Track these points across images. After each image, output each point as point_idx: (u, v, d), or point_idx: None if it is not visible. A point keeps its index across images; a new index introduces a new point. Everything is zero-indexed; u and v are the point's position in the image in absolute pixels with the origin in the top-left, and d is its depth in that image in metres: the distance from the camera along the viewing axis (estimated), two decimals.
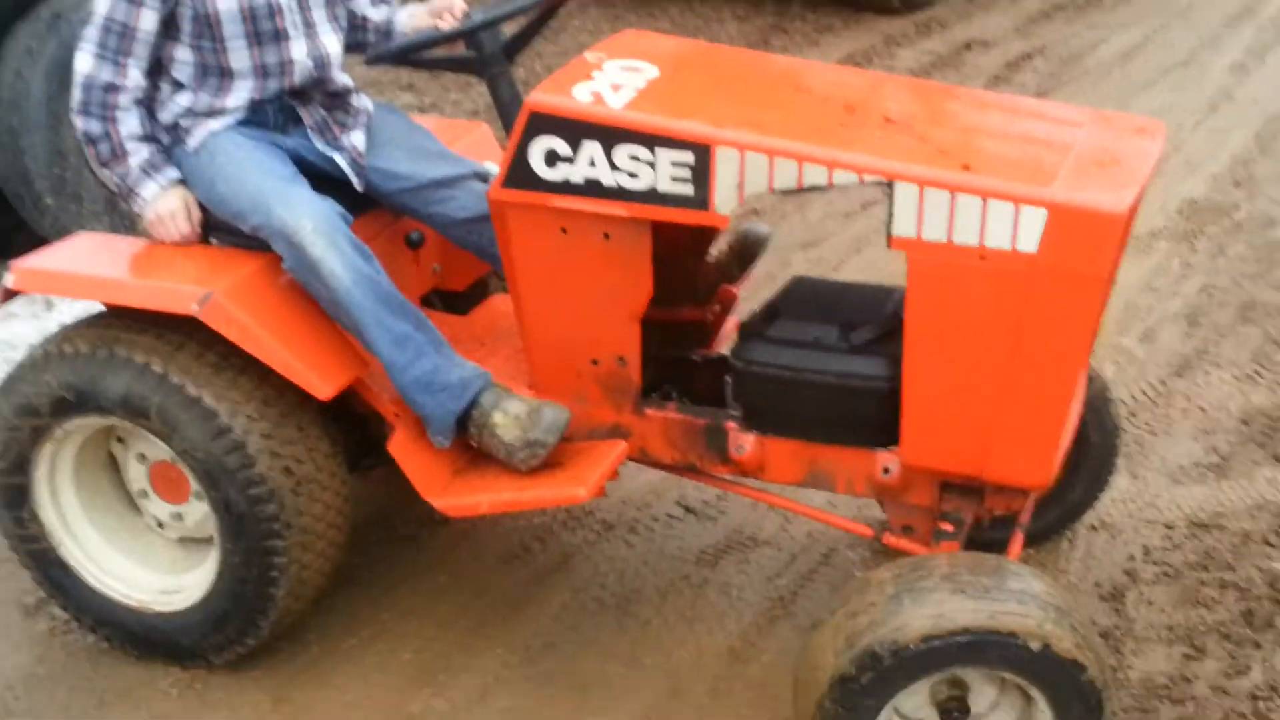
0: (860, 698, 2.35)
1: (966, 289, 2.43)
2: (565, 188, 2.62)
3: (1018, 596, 2.33)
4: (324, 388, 2.74)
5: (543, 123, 2.59)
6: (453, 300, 3.37)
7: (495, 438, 2.82)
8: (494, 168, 2.94)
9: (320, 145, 2.98)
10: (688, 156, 2.51)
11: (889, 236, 2.45)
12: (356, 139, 3.01)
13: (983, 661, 2.33)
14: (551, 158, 2.61)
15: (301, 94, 2.96)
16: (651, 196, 2.57)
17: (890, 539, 2.79)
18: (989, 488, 2.65)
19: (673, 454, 2.90)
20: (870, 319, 2.73)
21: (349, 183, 2.99)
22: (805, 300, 2.84)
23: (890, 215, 2.43)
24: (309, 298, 2.82)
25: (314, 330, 2.81)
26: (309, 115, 2.98)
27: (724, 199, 2.53)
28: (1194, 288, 4.79)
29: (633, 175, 2.57)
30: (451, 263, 3.31)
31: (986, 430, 2.53)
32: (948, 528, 2.63)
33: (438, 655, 3.10)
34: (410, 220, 3.14)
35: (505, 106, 2.87)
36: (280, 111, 2.95)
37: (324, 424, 2.87)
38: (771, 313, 2.79)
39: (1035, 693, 2.37)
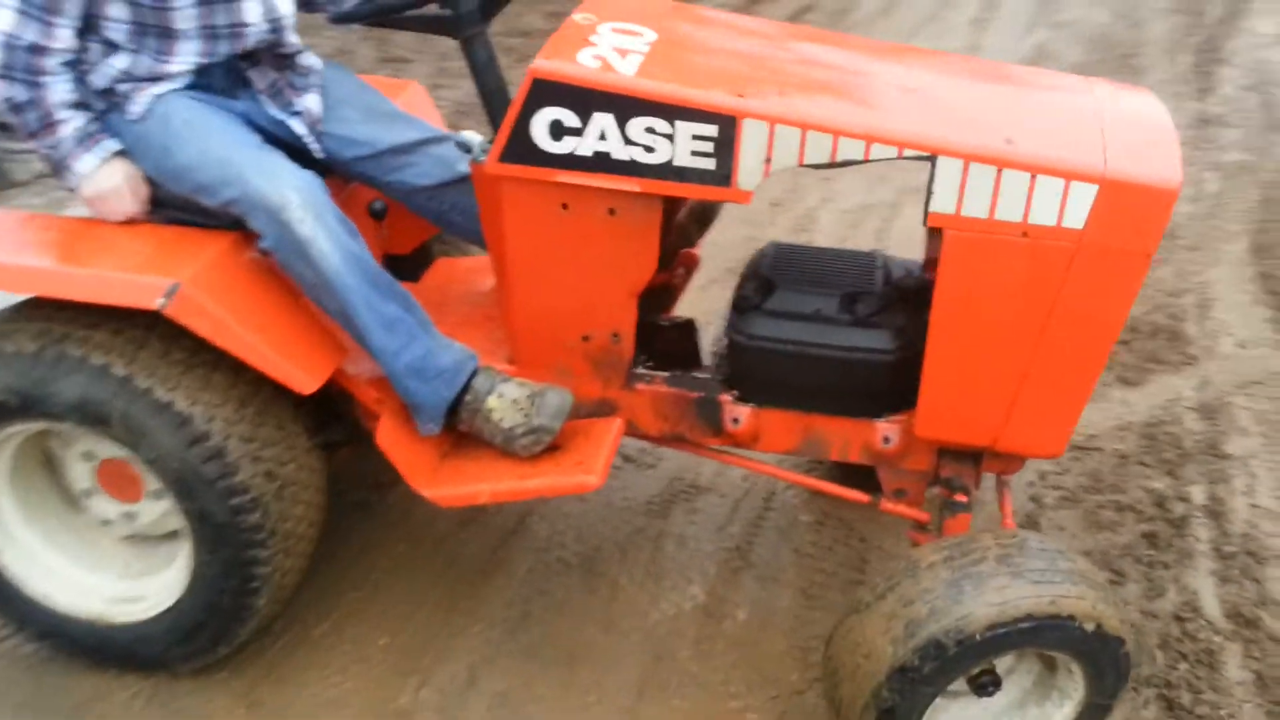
0: (920, 686, 1.99)
1: (1004, 266, 2.03)
2: (571, 162, 2.08)
3: (1070, 577, 1.99)
4: (308, 381, 2.15)
5: (549, 92, 2.03)
6: (397, 265, 2.78)
7: (491, 424, 2.29)
8: (474, 136, 2.37)
9: (273, 110, 2.32)
10: (711, 130, 2.01)
11: (926, 213, 2.03)
12: (311, 102, 2.37)
13: (1039, 643, 2.00)
14: (557, 130, 2.06)
15: (250, 55, 2.29)
16: (668, 171, 2.06)
17: (888, 505, 2.42)
18: (989, 453, 2.30)
19: (661, 426, 2.43)
20: (864, 288, 2.32)
21: (302, 151, 2.36)
22: (794, 270, 2.39)
23: (930, 191, 2.00)
24: (278, 281, 2.21)
25: (289, 317, 2.20)
26: (260, 78, 2.31)
27: (748, 174, 2.04)
28: None
29: (649, 149, 2.05)
30: (396, 226, 2.71)
31: (1009, 404, 2.16)
32: (961, 498, 2.27)
33: (415, 638, 2.57)
34: (366, 188, 2.53)
35: (481, 70, 2.28)
36: (228, 74, 2.28)
37: (300, 416, 2.27)
38: (766, 285, 2.33)
39: (1075, 666, 2.06)
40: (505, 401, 2.28)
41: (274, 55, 2.32)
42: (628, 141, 2.05)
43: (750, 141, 2.01)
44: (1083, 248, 1.98)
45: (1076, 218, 1.96)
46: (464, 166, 2.47)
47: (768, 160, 2.03)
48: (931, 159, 1.97)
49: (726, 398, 2.36)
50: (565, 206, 2.16)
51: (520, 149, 2.09)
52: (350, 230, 2.16)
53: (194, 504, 2.12)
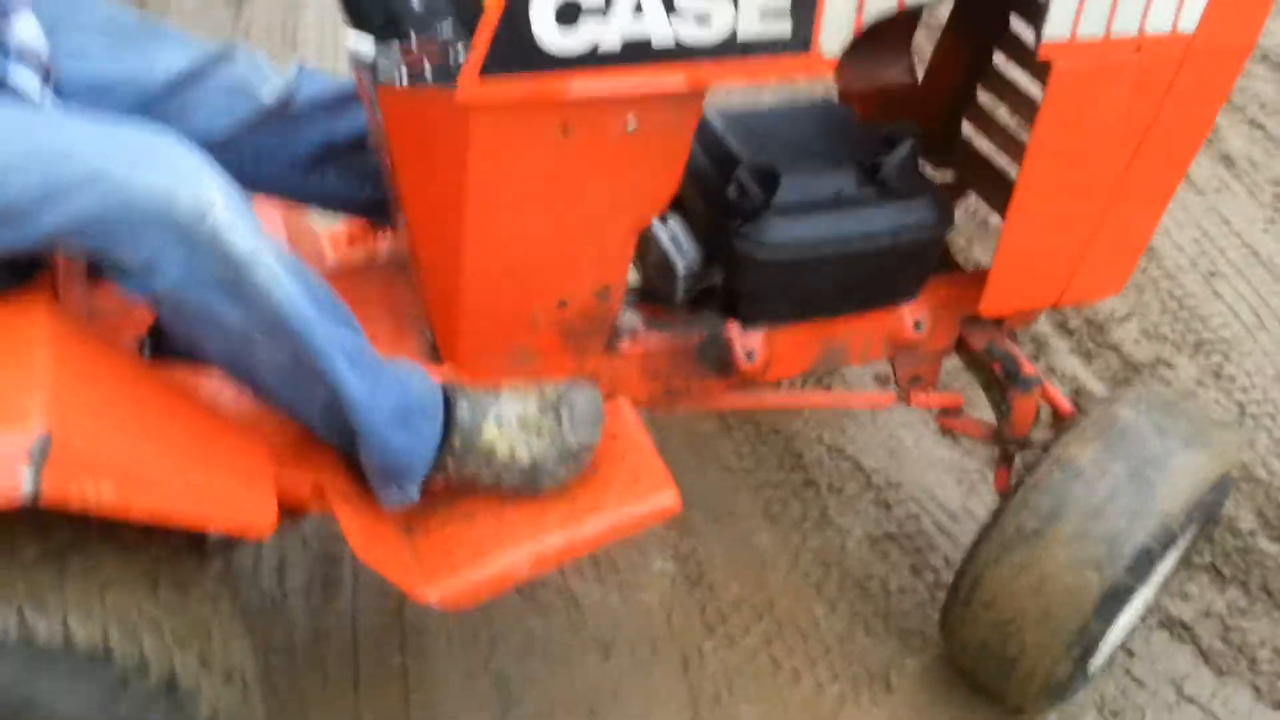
0: (1128, 596, 1.71)
1: (1112, 93, 1.65)
2: (593, 59, 1.35)
3: (1204, 427, 1.78)
4: (264, 517, 1.28)
5: None
6: None
7: (496, 464, 1.55)
8: (365, 43, 1.47)
9: None
10: None
11: (1038, 44, 1.57)
12: (26, 30, 1.33)
13: (1213, 508, 1.78)
14: (570, 12, 1.31)
15: None
16: (730, 47, 1.40)
17: (920, 398, 2.02)
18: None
19: (651, 387, 1.82)
20: (870, 150, 1.83)
21: None
22: (774, 145, 1.83)
23: (1045, 17, 1.55)
24: (137, 362, 1.27)
25: (188, 422, 1.28)
26: None
27: (833, 34, 1.45)
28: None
29: (702, 20, 1.38)
30: None
31: (1085, 250, 1.84)
32: (1028, 370, 1.93)
33: None
34: None
35: None
36: None
37: (206, 562, 1.38)
38: (761, 174, 1.75)
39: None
40: (510, 428, 1.55)
41: None
42: (672, 10, 1.36)
43: None
44: (1191, 53, 1.65)
45: (1191, 20, 1.62)
46: (267, 95, 1.59)
47: (859, 8, 1.44)
48: None
49: (734, 329, 1.81)
50: (566, 130, 1.42)
51: (513, 52, 1.32)
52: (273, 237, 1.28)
53: None
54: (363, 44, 1.41)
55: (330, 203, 1.73)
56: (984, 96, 2.02)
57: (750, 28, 1.40)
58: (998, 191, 1.94)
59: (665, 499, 1.59)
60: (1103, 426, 1.75)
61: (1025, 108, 1.85)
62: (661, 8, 1.35)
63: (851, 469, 2.36)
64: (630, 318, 1.78)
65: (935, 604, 2.12)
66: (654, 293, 1.86)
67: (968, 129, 2.05)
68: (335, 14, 1.40)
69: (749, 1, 1.38)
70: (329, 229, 1.89)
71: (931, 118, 2.08)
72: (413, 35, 1.40)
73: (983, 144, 2.00)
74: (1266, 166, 3.32)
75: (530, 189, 1.48)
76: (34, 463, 1.04)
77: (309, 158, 1.66)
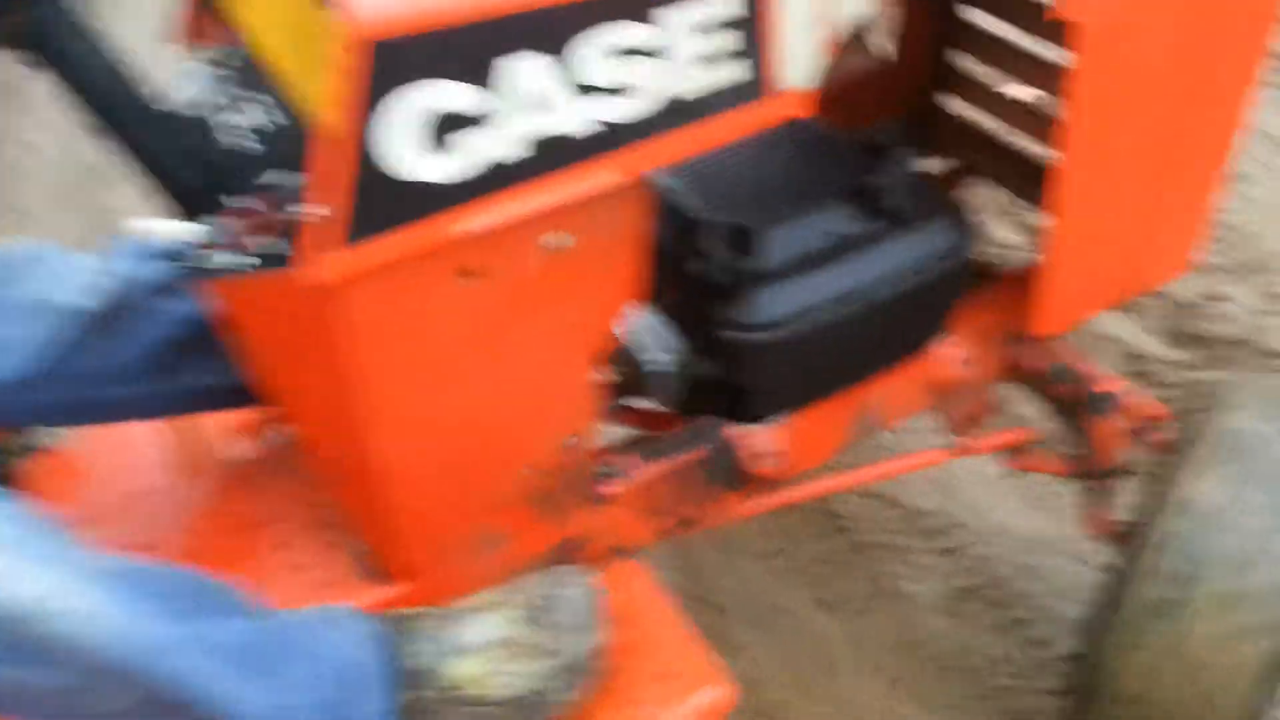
0: None
1: (1156, 33, 1.29)
2: (486, 183, 0.96)
3: None
4: None
5: (407, 59, 0.88)
6: None
7: (476, 707, 1.17)
8: (159, 228, 1.08)
9: None
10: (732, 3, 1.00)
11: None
12: None
13: None
14: (448, 126, 0.93)
15: None
16: (667, 117, 1.02)
17: (988, 442, 1.64)
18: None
19: (659, 524, 1.45)
20: (850, 170, 1.44)
21: None
22: (731, 189, 1.44)
23: None
24: None
25: None
26: None
27: (796, 58, 1.07)
28: None
29: (624, 90, 0.99)
30: None
31: (1151, 228, 1.48)
32: (1107, 385, 1.57)
33: None
34: None
35: (90, 82, 1.01)
36: None
37: None
38: (734, 234, 1.37)
39: None
40: (480, 657, 1.17)
41: None
42: (586, 90, 0.97)
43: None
44: None
45: None
46: (76, 303, 1.20)
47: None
48: None
49: (741, 435, 1.43)
50: (465, 274, 1.04)
51: (381, 205, 0.93)
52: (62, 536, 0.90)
53: None
54: (167, 225, 1.02)
55: (198, 404, 1.33)
56: (962, 60, 1.65)
57: (690, 78, 1.02)
58: (1018, 174, 1.58)
59: (712, 694, 1.23)
60: (1219, 446, 1.40)
61: (1026, 68, 1.49)
62: (568, 87, 0.96)
63: (901, 519, 2.00)
64: (611, 453, 1.41)
65: (1037, 669, 1.77)
66: (629, 391, 1.49)
67: (957, 105, 1.68)
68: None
69: (685, 48, 1.00)
70: (215, 418, 1.50)
71: (902, 98, 1.71)
72: (239, 199, 1.02)
73: (975, 117, 1.64)
74: None
75: (437, 355, 1.09)
76: None
77: (151, 361, 1.26)
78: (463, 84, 0.92)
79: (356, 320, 1.01)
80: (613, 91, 0.99)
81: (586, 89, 0.97)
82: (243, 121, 1.10)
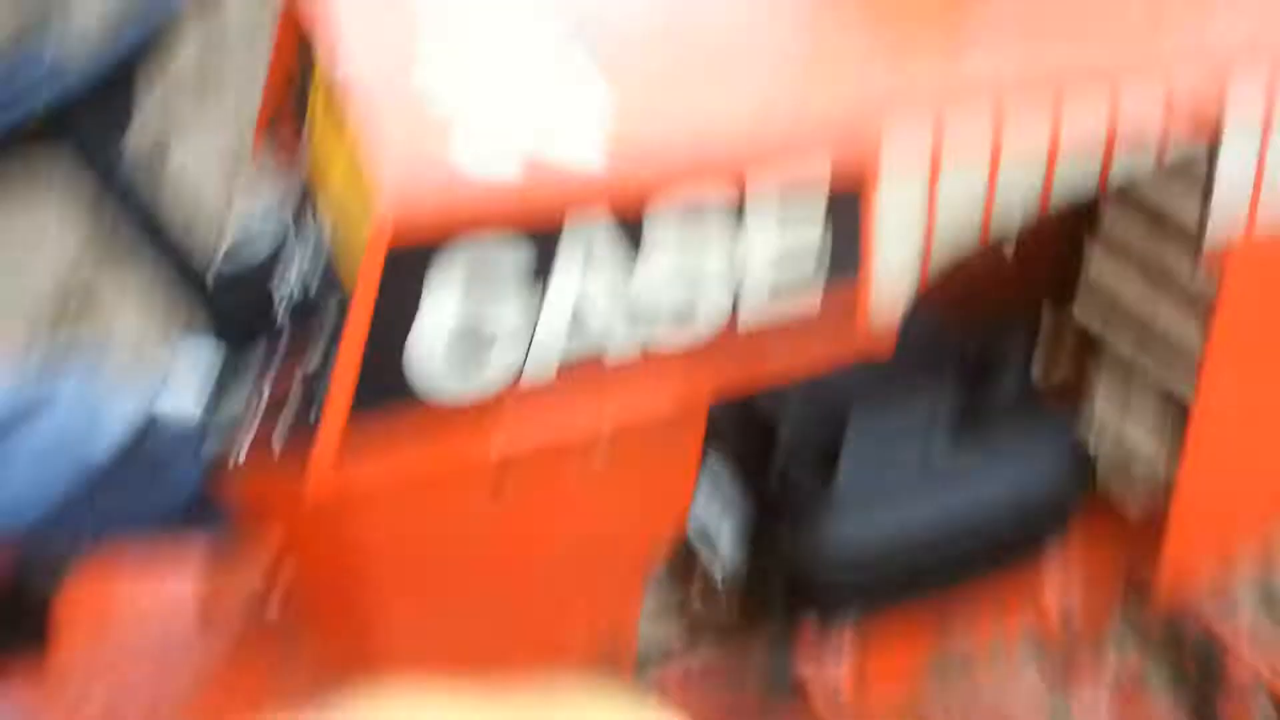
0: None
1: None
2: (524, 400, 0.87)
3: None
4: None
5: (433, 265, 0.80)
6: None
7: None
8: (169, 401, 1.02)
9: None
10: (814, 199, 0.90)
11: (1199, 253, 1.06)
12: None
13: None
14: (482, 339, 0.84)
15: None
16: (729, 344, 0.92)
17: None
18: None
19: None
20: (958, 378, 1.31)
21: None
22: (819, 397, 1.32)
23: (1206, 208, 1.03)
24: None
25: None
26: None
27: (895, 260, 0.96)
28: None
29: (681, 310, 0.89)
30: None
31: None
32: (1246, 669, 1.37)
33: None
34: None
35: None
36: None
37: None
38: (820, 459, 1.24)
39: None
40: None
41: None
42: (633, 320, 0.87)
43: (896, 190, 0.92)
44: None
45: None
46: (102, 450, 1.14)
47: (926, 253, 0.95)
48: (1209, 145, 1.00)
49: (811, 661, 1.29)
50: (498, 493, 0.94)
51: (405, 416, 0.85)
52: None
53: None
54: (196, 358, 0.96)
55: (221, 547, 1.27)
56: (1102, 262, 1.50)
57: (761, 288, 0.92)
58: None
59: None
60: None
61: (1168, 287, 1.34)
62: (612, 304, 0.87)
63: None
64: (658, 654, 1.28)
65: None
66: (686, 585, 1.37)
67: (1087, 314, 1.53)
68: None
69: (760, 250, 0.90)
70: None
71: (1029, 299, 1.57)
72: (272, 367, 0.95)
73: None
74: None
75: (463, 576, 0.99)
76: None
77: (183, 505, 1.20)
78: (499, 296, 0.83)
79: (373, 532, 0.92)
80: (669, 314, 0.89)
81: (635, 317, 0.88)
82: (293, 269, 1.04)
